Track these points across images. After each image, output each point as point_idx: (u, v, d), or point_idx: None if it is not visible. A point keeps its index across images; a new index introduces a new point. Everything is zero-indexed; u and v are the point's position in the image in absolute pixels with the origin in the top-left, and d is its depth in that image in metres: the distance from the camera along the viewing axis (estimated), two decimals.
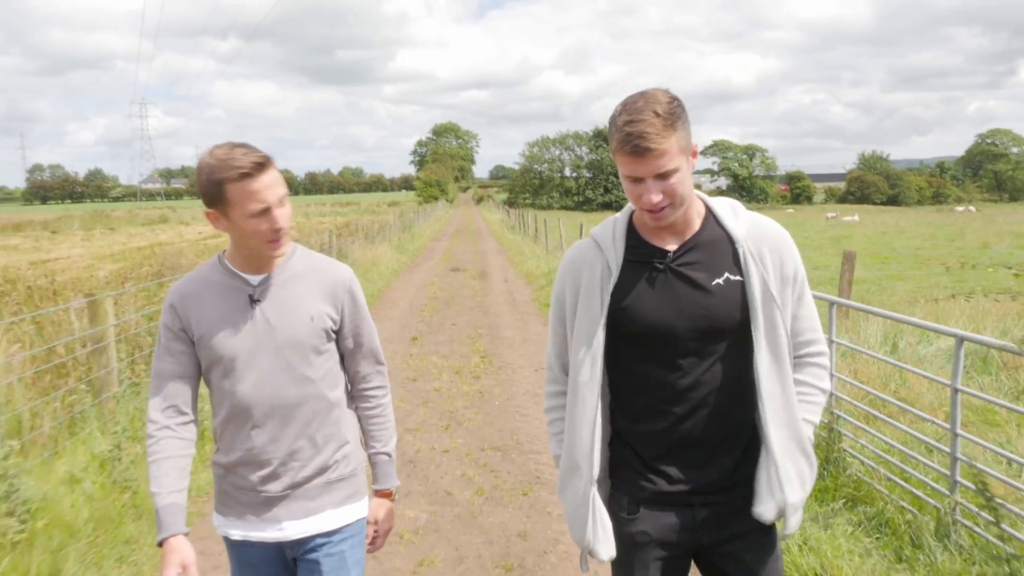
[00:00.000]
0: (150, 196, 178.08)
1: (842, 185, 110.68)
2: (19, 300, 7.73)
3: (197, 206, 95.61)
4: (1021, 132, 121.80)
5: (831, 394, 4.57)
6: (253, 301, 1.82)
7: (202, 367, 1.87)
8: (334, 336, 1.92)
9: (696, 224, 1.72)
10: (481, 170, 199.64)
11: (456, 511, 4.22)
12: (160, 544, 1.77)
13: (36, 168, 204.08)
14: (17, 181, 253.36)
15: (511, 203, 78.04)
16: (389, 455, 2.03)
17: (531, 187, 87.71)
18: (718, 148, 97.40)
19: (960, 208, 71.31)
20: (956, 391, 3.56)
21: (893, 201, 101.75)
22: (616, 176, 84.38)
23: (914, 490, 3.87)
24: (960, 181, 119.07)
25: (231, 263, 1.86)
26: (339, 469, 1.93)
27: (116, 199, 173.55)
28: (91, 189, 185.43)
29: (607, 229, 1.80)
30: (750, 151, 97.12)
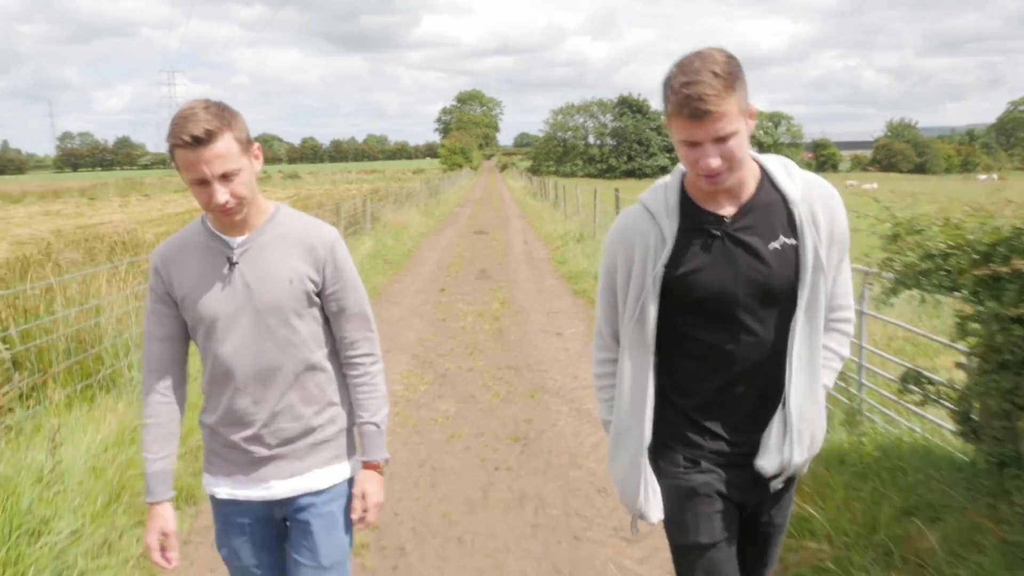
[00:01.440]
0: None
1: (869, 153, 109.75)
2: (105, 252, 9.04)
3: None
4: None
5: None
6: (232, 264, 1.81)
7: (188, 328, 1.89)
8: (317, 299, 1.89)
9: (751, 186, 1.68)
10: (506, 137, 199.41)
11: (478, 407, 5.45)
12: (149, 507, 1.89)
13: (66, 136, 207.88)
14: (46, 148, 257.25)
15: (535, 171, 78.80)
16: (378, 426, 1.96)
17: (555, 155, 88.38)
18: None
19: (983, 177, 70.73)
20: (862, 314, 4.69)
21: (920, 169, 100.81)
22: (640, 143, 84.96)
23: (834, 393, 5.02)
24: (992, 149, 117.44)
25: (213, 225, 1.84)
26: (325, 431, 1.92)
27: (145, 167, 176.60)
28: (121, 157, 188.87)
29: (659, 196, 1.75)
30: (775, 118, 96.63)
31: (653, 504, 1.78)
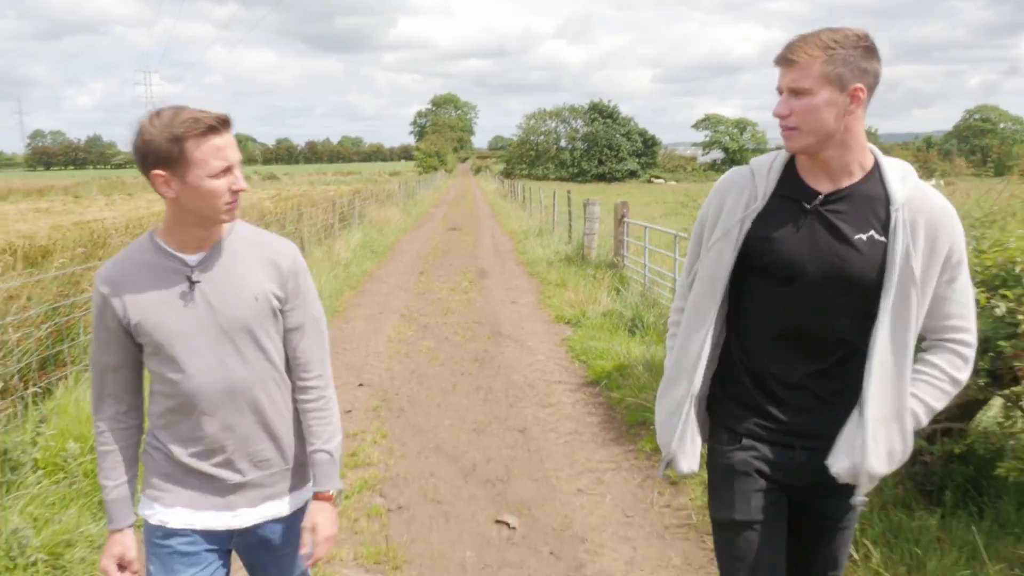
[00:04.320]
0: None
1: None
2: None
3: None
4: (1009, 108, 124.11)
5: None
6: (192, 283, 1.70)
7: (143, 353, 1.76)
8: (280, 315, 1.81)
9: (857, 175, 1.69)
10: (480, 140, 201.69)
11: (450, 343, 7.63)
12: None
13: (37, 134, 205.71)
14: (15, 147, 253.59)
15: (508, 174, 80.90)
16: (331, 454, 1.85)
17: (528, 158, 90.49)
18: (709, 122, 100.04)
19: (931, 182, 73.96)
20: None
21: None
22: (610, 148, 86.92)
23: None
24: (950, 155, 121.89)
25: (165, 242, 1.72)
26: (294, 451, 1.86)
27: (119, 166, 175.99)
28: (93, 155, 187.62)
29: (766, 160, 1.80)
30: (740, 125, 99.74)
31: (687, 453, 1.81)
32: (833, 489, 1.77)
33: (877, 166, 1.71)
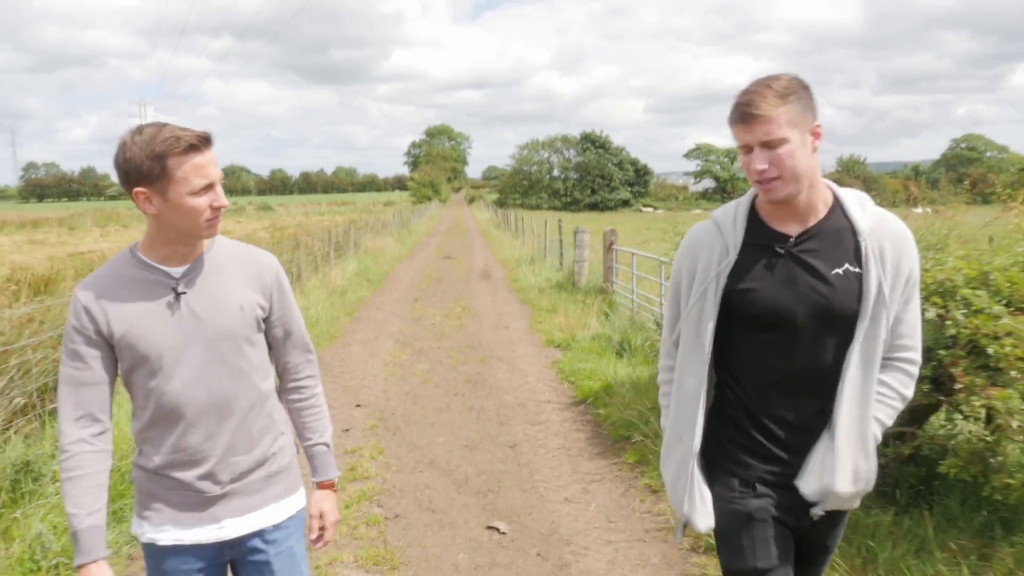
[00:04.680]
0: None
1: None
2: None
3: None
4: (997, 137, 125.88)
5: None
6: (178, 294, 1.73)
7: (121, 369, 1.75)
8: (264, 325, 1.86)
9: (821, 212, 1.73)
10: (474, 170, 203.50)
11: (444, 366, 7.89)
12: (77, 569, 1.68)
13: (31, 166, 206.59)
14: (8, 179, 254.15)
15: (501, 203, 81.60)
16: (327, 445, 1.97)
17: (521, 188, 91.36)
18: (700, 151, 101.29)
19: (918, 210, 75.05)
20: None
21: None
22: (602, 177, 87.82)
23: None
24: (938, 184, 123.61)
25: (148, 256, 1.74)
26: (278, 460, 1.88)
27: (112, 197, 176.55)
28: (87, 187, 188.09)
29: (728, 211, 1.82)
30: (731, 154, 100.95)
31: (701, 512, 1.80)
32: (833, 523, 1.84)
33: (836, 199, 1.76)
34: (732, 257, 1.75)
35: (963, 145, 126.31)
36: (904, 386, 1.79)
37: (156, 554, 1.81)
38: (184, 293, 1.74)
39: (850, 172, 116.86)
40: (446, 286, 14.69)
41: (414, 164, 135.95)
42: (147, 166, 1.61)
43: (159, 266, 1.75)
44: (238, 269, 1.83)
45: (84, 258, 23.71)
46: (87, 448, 1.72)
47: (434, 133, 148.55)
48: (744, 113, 1.63)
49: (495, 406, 6.43)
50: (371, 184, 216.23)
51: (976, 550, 3.09)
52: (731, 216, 1.80)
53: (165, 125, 1.65)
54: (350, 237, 17.88)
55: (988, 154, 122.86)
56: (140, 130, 1.64)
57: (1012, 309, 2.96)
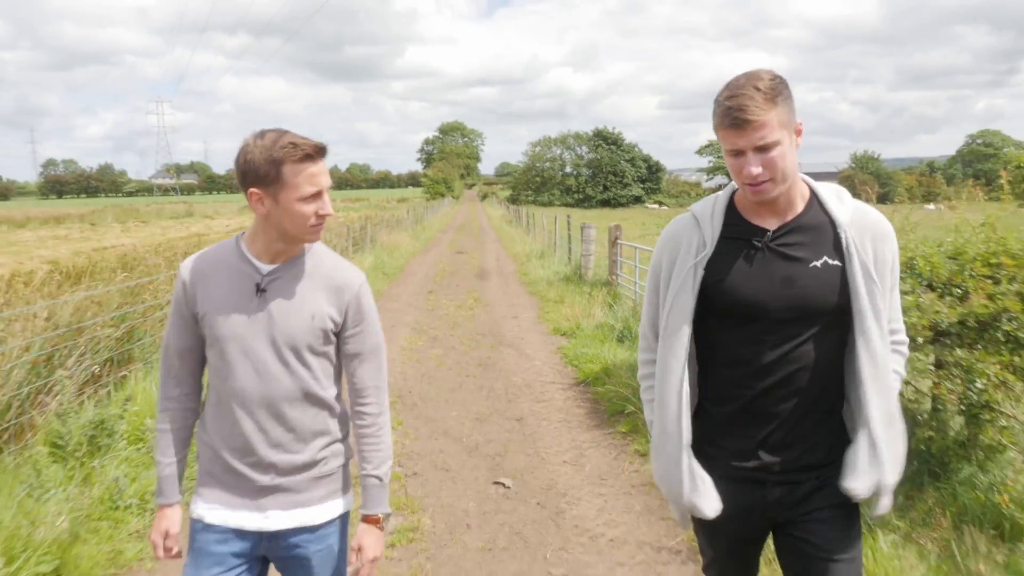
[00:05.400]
0: (165, 192, 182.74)
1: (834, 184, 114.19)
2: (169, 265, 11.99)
3: (211, 200, 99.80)
4: (1012, 133, 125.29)
5: None
6: (259, 290, 1.81)
7: (205, 343, 1.87)
8: (334, 338, 1.89)
9: (799, 206, 1.74)
10: (487, 167, 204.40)
11: (457, 352, 8.50)
12: (158, 508, 1.92)
13: (50, 163, 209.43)
14: (27, 175, 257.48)
15: (514, 200, 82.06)
16: (381, 479, 1.93)
17: (533, 185, 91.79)
18: (713, 148, 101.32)
19: (931, 207, 75.07)
20: None
21: (882, 199, 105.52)
22: (614, 174, 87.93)
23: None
24: (955, 180, 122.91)
25: (247, 248, 1.85)
26: (329, 464, 1.92)
27: (130, 194, 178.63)
28: (105, 184, 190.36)
29: (707, 205, 1.83)
30: None
31: (704, 495, 1.79)
32: (816, 517, 1.78)
33: (814, 194, 1.78)
34: (709, 250, 1.77)
35: (979, 141, 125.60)
36: (901, 366, 1.86)
37: (199, 531, 1.89)
38: (265, 291, 1.82)
39: (864, 168, 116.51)
40: (459, 279, 15.32)
41: (427, 161, 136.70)
42: (264, 169, 1.71)
43: (253, 259, 1.84)
44: (322, 279, 1.87)
45: (112, 252, 24.55)
46: (175, 406, 1.93)
47: (447, 130, 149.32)
48: (737, 119, 1.61)
49: (504, 386, 7.03)
50: (385, 181, 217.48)
51: (903, 492, 3.64)
52: (709, 210, 1.82)
53: (286, 132, 1.74)
54: (367, 233, 18.56)
55: (1005, 150, 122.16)
56: (263, 134, 1.74)
57: (937, 292, 3.51)
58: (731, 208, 1.81)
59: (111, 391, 5.07)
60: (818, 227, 1.73)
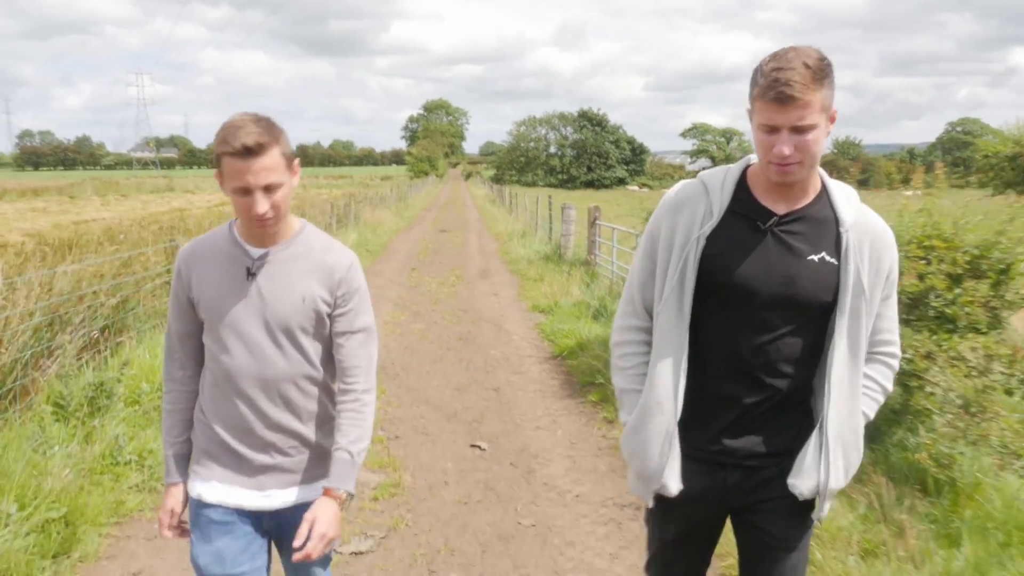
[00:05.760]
0: (144, 165, 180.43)
1: None
2: (160, 233, 12.16)
3: (191, 175, 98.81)
4: (991, 121, 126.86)
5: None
6: (250, 274, 1.84)
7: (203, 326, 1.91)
8: (327, 320, 1.90)
9: (810, 196, 1.71)
10: (472, 146, 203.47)
11: (438, 326, 8.81)
12: (166, 486, 1.98)
13: (26, 134, 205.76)
14: (3, 146, 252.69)
15: (498, 179, 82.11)
16: (351, 455, 1.86)
17: (518, 164, 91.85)
18: (697, 131, 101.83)
19: (908, 192, 76.00)
20: None
21: (863, 185, 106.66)
22: (599, 155, 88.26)
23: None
24: (932, 167, 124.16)
25: (239, 233, 1.87)
26: (326, 443, 1.94)
27: (108, 167, 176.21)
28: (83, 156, 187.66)
29: (718, 175, 1.77)
30: (727, 134, 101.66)
31: (674, 474, 1.78)
32: (772, 507, 1.79)
33: (825, 188, 1.74)
34: (715, 219, 1.71)
35: (959, 128, 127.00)
36: (886, 379, 1.83)
37: (200, 507, 1.93)
38: (255, 274, 1.85)
39: (846, 154, 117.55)
40: (442, 257, 15.59)
41: (412, 138, 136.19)
42: (215, 156, 1.75)
43: (244, 244, 1.87)
44: (313, 261, 1.88)
45: (87, 226, 24.46)
46: (179, 387, 1.98)
47: (432, 108, 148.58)
48: (782, 93, 1.53)
49: (483, 359, 7.34)
50: (368, 158, 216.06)
51: None
52: (720, 180, 1.76)
53: (243, 124, 1.70)
54: (351, 210, 18.75)
55: (984, 137, 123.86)
56: (232, 118, 1.74)
57: None
58: (742, 183, 1.76)
59: (107, 357, 5.33)
60: (823, 221, 1.71)
